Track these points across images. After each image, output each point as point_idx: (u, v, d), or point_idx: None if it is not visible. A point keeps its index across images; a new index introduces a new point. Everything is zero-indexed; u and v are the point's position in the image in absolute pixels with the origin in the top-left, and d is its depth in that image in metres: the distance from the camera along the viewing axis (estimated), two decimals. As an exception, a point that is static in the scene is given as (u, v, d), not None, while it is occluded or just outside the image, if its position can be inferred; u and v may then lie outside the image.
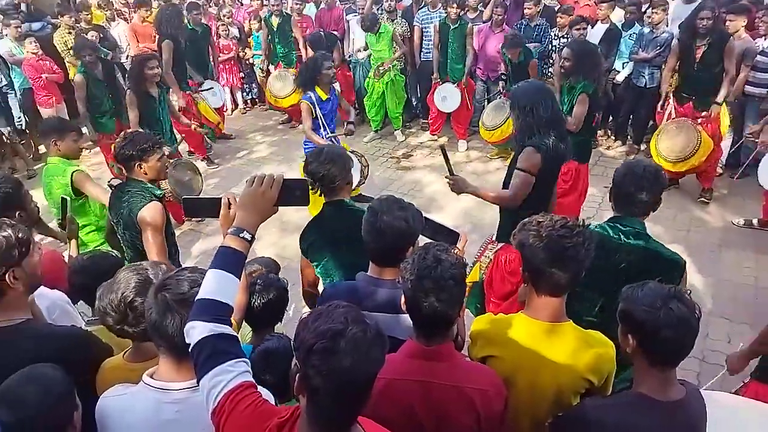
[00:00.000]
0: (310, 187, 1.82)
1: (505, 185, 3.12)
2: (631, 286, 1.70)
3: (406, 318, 1.95)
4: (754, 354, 2.58)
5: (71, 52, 6.45)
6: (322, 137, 4.85)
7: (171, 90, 6.07)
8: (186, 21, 6.57)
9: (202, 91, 6.77)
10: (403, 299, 1.71)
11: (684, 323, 1.57)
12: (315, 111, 4.75)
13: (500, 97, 6.39)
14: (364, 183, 5.19)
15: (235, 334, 1.43)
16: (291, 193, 1.57)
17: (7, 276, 1.78)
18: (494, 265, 3.33)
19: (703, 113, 5.24)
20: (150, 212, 2.80)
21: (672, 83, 5.53)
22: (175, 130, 5.48)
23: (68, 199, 3.13)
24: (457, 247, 2.20)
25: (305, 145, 5.04)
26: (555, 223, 1.81)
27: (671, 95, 5.49)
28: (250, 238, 1.49)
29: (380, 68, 6.81)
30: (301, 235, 2.74)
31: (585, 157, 4.64)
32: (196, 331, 1.35)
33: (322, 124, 4.84)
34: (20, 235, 1.82)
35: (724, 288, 4.37)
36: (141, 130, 4.46)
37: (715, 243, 4.97)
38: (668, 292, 1.61)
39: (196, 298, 1.40)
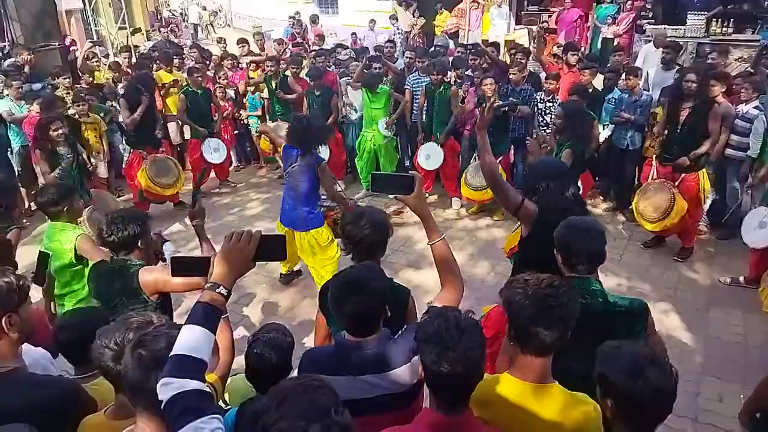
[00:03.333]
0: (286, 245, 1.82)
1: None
2: (607, 347, 1.69)
3: (394, 372, 1.95)
4: (750, 413, 2.55)
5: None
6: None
7: None
8: (187, 86, 7.34)
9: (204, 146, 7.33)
10: (420, 369, 1.68)
11: (661, 391, 1.56)
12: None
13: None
14: None
15: (209, 390, 1.42)
16: (268, 248, 1.59)
17: (3, 321, 1.80)
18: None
19: (683, 174, 5.37)
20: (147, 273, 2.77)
21: (656, 146, 5.72)
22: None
23: (50, 254, 3.13)
24: (412, 195, 2.10)
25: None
26: (541, 282, 1.80)
27: (654, 157, 5.67)
28: (226, 293, 1.51)
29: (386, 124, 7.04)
30: (321, 290, 2.67)
31: None
32: (170, 387, 1.35)
33: None
34: (20, 282, 1.86)
35: (713, 347, 4.36)
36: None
37: (703, 301, 5.00)
38: (644, 358, 1.60)
39: (171, 353, 1.40)
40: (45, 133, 5.33)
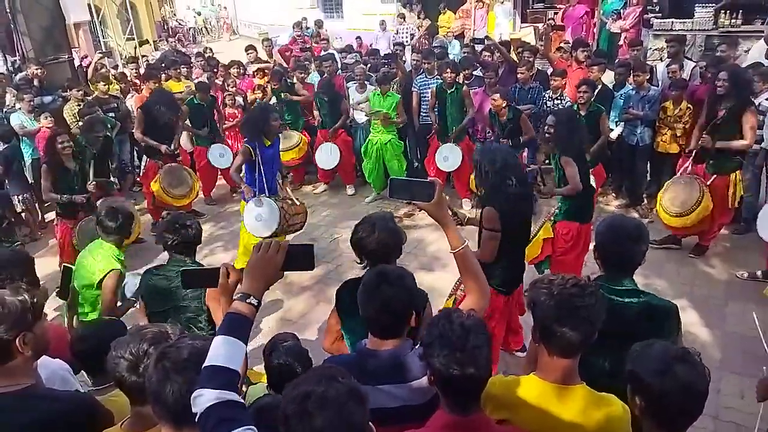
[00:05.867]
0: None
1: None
2: (639, 345, 1.68)
3: (414, 384, 1.91)
4: None
5: (80, 127, 6.61)
6: (254, 192, 4.98)
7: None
8: (192, 97, 7.44)
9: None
10: (429, 373, 1.66)
11: (690, 389, 1.53)
12: (254, 156, 4.78)
13: None
14: (288, 231, 5.33)
15: (243, 401, 1.42)
16: (296, 258, 1.61)
17: (17, 340, 1.80)
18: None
19: (715, 175, 5.21)
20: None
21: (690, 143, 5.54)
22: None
23: (72, 268, 3.14)
24: (431, 202, 1.99)
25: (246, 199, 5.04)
26: (567, 282, 1.78)
27: (686, 153, 5.50)
28: (257, 304, 1.51)
29: (383, 117, 6.93)
30: (339, 290, 2.68)
31: (585, 219, 4.61)
32: (203, 399, 1.34)
33: (260, 170, 4.83)
34: (35, 300, 1.86)
35: (732, 342, 4.30)
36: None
37: (720, 296, 4.93)
38: (675, 354, 1.58)
39: (204, 365, 1.40)
40: (53, 147, 5.31)
